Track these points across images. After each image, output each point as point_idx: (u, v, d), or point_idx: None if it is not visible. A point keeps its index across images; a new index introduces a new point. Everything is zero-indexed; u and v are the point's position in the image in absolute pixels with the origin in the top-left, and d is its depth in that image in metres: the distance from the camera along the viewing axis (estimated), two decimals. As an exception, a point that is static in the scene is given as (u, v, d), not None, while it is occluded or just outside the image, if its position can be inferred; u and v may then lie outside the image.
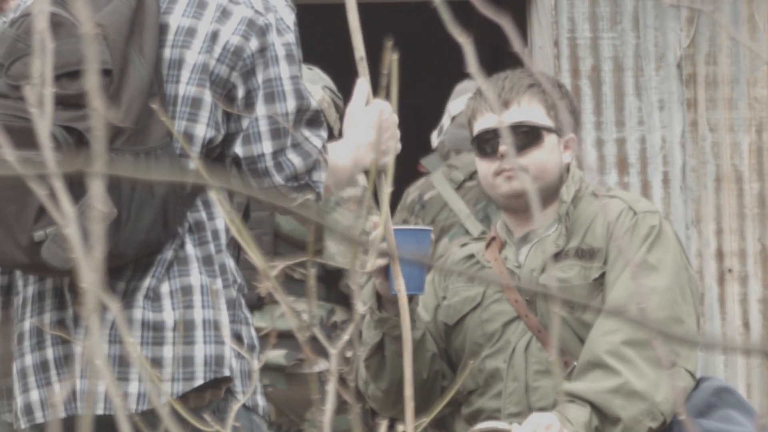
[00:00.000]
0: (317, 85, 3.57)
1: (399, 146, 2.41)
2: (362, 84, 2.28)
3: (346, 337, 1.41)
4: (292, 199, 2.24)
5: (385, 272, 2.45)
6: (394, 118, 2.36)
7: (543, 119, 2.66)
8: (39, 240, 2.08)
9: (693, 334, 2.01)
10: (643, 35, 4.99)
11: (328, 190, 2.31)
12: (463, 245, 2.84)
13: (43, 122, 1.14)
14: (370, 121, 2.26)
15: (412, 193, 3.59)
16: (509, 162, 2.63)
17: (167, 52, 2.14)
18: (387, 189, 1.97)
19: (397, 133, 2.38)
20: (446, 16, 1.24)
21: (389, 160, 2.26)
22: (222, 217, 2.18)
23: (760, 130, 4.89)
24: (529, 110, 2.65)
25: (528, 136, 2.65)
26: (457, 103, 3.68)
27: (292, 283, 3.29)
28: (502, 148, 2.63)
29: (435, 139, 3.69)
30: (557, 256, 2.61)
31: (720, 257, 4.86)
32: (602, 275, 2.57)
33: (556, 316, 2.50)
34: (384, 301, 2.51)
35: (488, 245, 2.67)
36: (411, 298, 2.47)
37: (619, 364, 2.47)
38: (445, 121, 3.69)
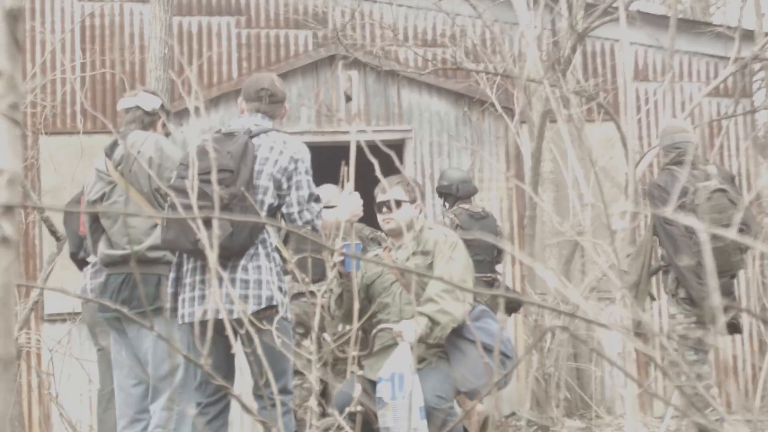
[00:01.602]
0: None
1: (361, 215, 3.81)
2: (349, 185, 3.49)
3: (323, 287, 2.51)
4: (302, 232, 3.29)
5: (342, 262, 3.95)
6: (360, 203, 3.70)
7: (404, 197, 4.21)
8: (198, 239, 3.22)
9: (470, 288, 2.26)
10: (473, 165, 7.41)
11: (324, 230, 3.56)
12: (374, 250, 4.55)
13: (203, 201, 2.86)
14: (349, 204, 3.46)
15: (365, 229, 5.44)
16: (388, 215, 4.20)
17: (257, 166, 3.46)
18: (353, 235, 3.39)
19: (361, 212, 3.76)
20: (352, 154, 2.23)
21: (353, 220, 3.81)
22: (274, 238, 3.43)
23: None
24: (397, 193, 4.22)
25: (396, 204, 4.19)
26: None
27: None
28: (384, 209, 4.17)
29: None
30: (413, 254, 4.13)
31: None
32: (431, 263, 4.10)
33: (412, 280, 4.07)
34: (343, 275, 4.03)
35: (385, 250, 4.37)
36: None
37: (440, 299, 3.92)
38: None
